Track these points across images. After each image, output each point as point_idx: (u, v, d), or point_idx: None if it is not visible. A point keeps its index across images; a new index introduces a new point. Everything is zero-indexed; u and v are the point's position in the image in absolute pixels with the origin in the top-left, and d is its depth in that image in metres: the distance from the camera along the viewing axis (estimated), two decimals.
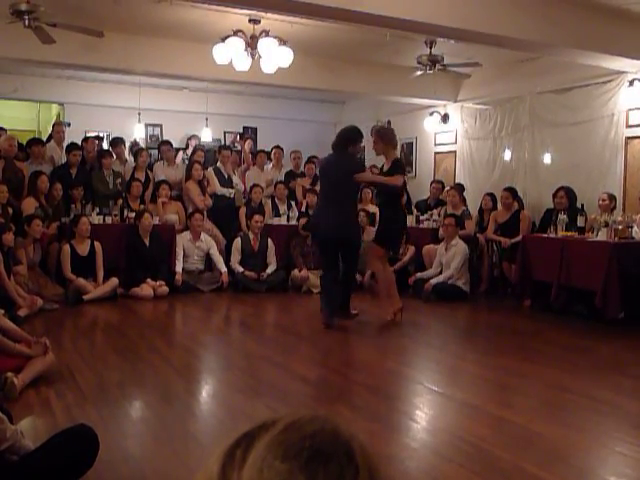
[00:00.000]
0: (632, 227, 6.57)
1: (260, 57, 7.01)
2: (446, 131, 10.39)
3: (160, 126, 11.41)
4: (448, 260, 7.78)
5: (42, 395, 3.88)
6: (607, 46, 6.67)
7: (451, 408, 4.03)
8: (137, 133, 10.61)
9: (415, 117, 10.81)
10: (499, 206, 8.39)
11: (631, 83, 7.44)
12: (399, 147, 10.66)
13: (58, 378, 4.20)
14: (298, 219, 8.77)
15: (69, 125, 10.05)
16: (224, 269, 8.23)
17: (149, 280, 7.63)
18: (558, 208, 7.49)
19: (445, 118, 10.29)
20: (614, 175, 7.77)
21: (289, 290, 8.34)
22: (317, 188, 9.49)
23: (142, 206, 8.40)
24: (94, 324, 6.63)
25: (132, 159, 9.40)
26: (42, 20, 6.15)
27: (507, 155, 9.22)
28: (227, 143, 11.32)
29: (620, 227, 6.45)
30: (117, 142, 9.38)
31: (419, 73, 8.10)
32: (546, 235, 7.17)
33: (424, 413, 3.95)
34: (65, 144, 8.84)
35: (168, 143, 9.55)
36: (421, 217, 8.98)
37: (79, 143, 8.82)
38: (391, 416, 3.79)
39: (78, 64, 8.03)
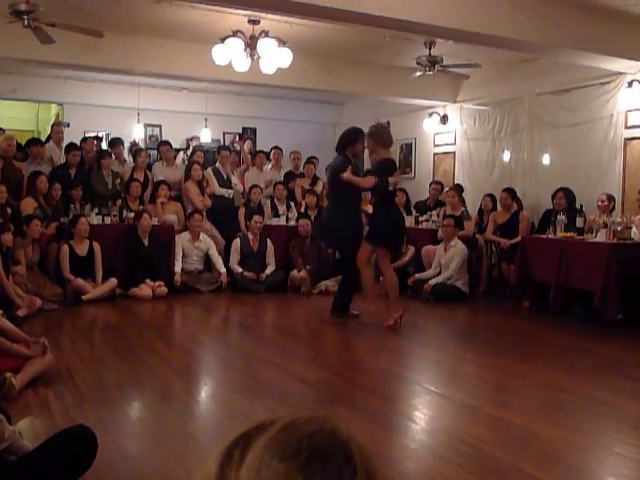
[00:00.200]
0: (631, 228, 6.57)
1: (259, 58, 7.01)
2: (445, 132, 10.39)
3: (159, 126, 11.41)
4: (447, 261, 7.79)
5: (41, 395, 3.87)
6: (606, 47, 6.68)
7: (450, 409, 4.03)
8: (136, 133, 10.61)
9: (414, 118, 10.81)
10: (498, 207, 8.40)
11: (630, 84, 7.45)
12: (398, 147, 10.74)
13: (57, 378, 4.19)
14: (297, 220, 8.77)
15: (68, 125, 10.04)
16: (223, 269, 8.22)
17: (148, 280, 7.63)
18: (557, 209, 7.49)
19: (444, 119, 10.29)
20: (613, 176, 7.77)
21: (288, 291, 8.34)
22: (316, 189, 9.54)
23: (141, 206, 8.40)
24: (93, 324, 6.63)
25: (131, 159, 9.40)
26: (41, 20, 6.14)
27: (506, 156, 9.22)
28: (226, 143, 11.32)
29: (619, 228, 6.45)
30: (116, 142, 9.37)
31: (418, 74, 8.10)
32: (545, 236, 7.17)
33: (423, 414, 3.95)
34: (64, 144, 8.84)
35: (167, 143, 9.54)
36: (420, 218, 8.98)
37: (78, 143, 8.82)
38: (390, 417, 3.79)
39: (77, 64, 8.02)
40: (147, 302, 7.41)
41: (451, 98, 10.01)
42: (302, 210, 9.22)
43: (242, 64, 7.13)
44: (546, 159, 8.63)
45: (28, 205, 7.49)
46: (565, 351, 5.54)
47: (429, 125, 10.44)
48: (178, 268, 8.06)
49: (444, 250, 7.88)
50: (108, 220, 8.03)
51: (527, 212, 8.34)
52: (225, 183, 9.19)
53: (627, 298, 6.14)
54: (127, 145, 10.11)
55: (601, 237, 6.50)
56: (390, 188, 6.16)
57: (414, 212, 9.25)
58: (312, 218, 8.87)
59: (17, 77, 9.91)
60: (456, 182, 9.84)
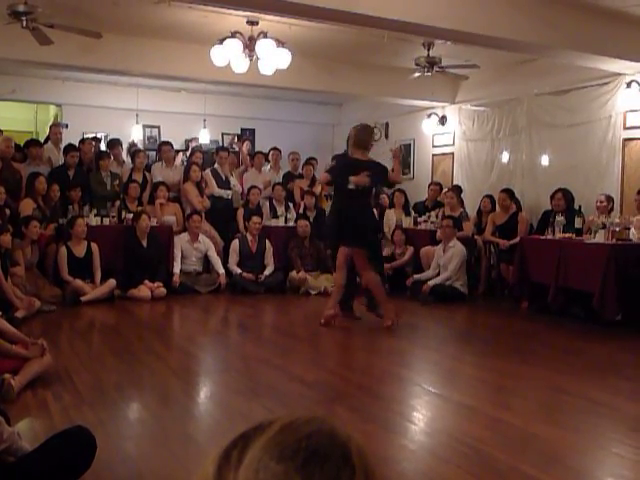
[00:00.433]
0: (629, 229, 6.57)
1: (258, 59, 7.01)
2: (444, 133, 10.39)
3: (158, 127, 11.40)
4: (446, 262, 7.79)
5: (39, 397, 3.87)
6: (605, 48, 6.68)
7: (448, 410, 4.04)
8: (135, 134, 10.60)
9: (413, 119, 10.82)
10: (497, 208, 8.40)
11: (629, 85, 7.45)
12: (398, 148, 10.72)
13: (55, 380, 4.19)
14: (296, 220, 8.78)
15: (67, 126, 10.03)
16: (222, 270, 8.22)
17: (147, 281, 7.62)
18: (556, 210, 7.49)
19: (443, 120, 10.30)
20: (612, 177, 7.78)
21: (287, 292, 8.34)
22: (315, 189, 9.54)
23: (140, 207, 8.40)
24: (91, 325, 6.63)
25: (130, 160, 9.39)
26: (40, 21, 6.15)
27: (505, 157, 9.23)
28: (225, 144, 11.31)
29: (618, 229, 6.45)
30: (114, 143, 9.37)
31: (417, 75, 8.10)
32: (544, 237, 7.17)
33: (421, 415, 3.95)
34: (63, 145, 8.83)
35: (169, 144, 9.46)
36: (419, 219, 8.99)
37: (76, 144, 8.81)
38: (388, 417, 3.79)
39: (76, 65, 8.02)
40: (146, 303, 7.41)
41: (450, 99, 10.02)
42: (301, 211, 9.22)
43: (241, 65, 7.14)
44: (545, 160, 8.64)
45: (27, 206, 7.49)
46: (564, 352, 5.54)
47: (428, 126, 10.44)
48: (177, 269, 8.05)
49: (443, 251, 7.89)
50: (107, 221, 8.03)
51: (526, 213, 8.35)
52: (224, 184, 9.18)
53: (626, 299, 6.15)
54: (125, 146, 10.10)
55: (600, 238, 6.50)
56: (350, 187, 5.95)
57: (413, 213, 9.25)
58: (311, 219, 8.87)
59: (16, 78, 9.91)
60: (455, 183, 9.84)
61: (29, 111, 11.87)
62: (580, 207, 7.45)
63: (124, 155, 9.67)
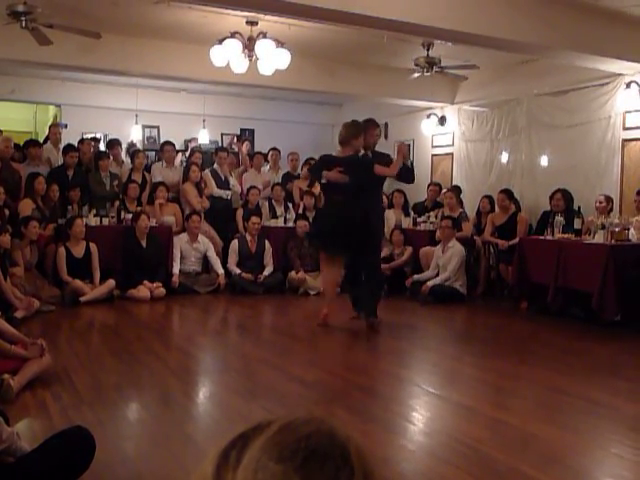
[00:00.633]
0: (629, 229, 6.58)
1: (258, 59, 7.01)
2: (443, 133, 10.40)
3: (157, 128, 11.40)
4: (445, 262, 7.79)
5: (38, 397, 3.87)
6: (604, 49, 6.68)
7: (448, 410, 4.04)
8: (134, 135, 10.61)
9: (412, 119, 10.82)
10: (496, 208, 8.40)
11: (628, 85, 7.46)
12: (396, 148, 10.72)
13: (54, 380, 4.19)
14: (295, 221, 8.78)
15: (66, 127, 10.03)
16: (221, 271, 8.22)
17: (146, 282, 7.62)
18: (555, 210, 7.50)
19: (442, 120, 10.31)
20: (611, 177, 7.78)
21: (286, 292, 8.33)
22: (314, 190, 9.52)
23: (139, 208, 8.39)
24: (91, 326, 6.62)
25: (129, 161, 9.38)
26: (39, 21, 6.14)
27: (504, 157, 9.24)
28: (224, 145, 11.31)
29: (617, 229, 6.46)
30: (113, 144, 9.36)
31: (416, 75, 8.10)
32: (543, 237, 7.17)
33: (421, 415, 3.95)
34: (62, 146, 8.82)
35: (171, 144, 9.41)
36: (418, 219, 8.98)
37: (76, 145, 8.81)
38: (387, 418, 3.79)
39: (75, 65, 8.01)
40: (145, 303, 7.40)
41: (449, 99, 10.02)
42: (300, 211, 9.22)
43: (240, 65, 7.14)
44: (544, 160, 8.64)
45: (26, 206, 7.48)
46: (563, 352, 5.54)
47: (427, 126, 10.45)
48: (176, 269, 8.05)
49: (442, 251, 7.89)
50: (106, 221, 8.02)
51: (525, 213, 8.35)
52: (223, 184, 9.18)
53: (625, 299, 6.15)
54: (125, 146, 10.10)
55: (599, 238, 6.50)
56: (323, 181, 6.20)
57: (412, 213, 9.25)
58: (310, 219, 8.86)
59: (15, 78, 9.91)
60: (454, 183, 9.85)
61: (28, 111, 11.86)
62: (579, 207, 7.46)
63: (123, 155, 9.67)
